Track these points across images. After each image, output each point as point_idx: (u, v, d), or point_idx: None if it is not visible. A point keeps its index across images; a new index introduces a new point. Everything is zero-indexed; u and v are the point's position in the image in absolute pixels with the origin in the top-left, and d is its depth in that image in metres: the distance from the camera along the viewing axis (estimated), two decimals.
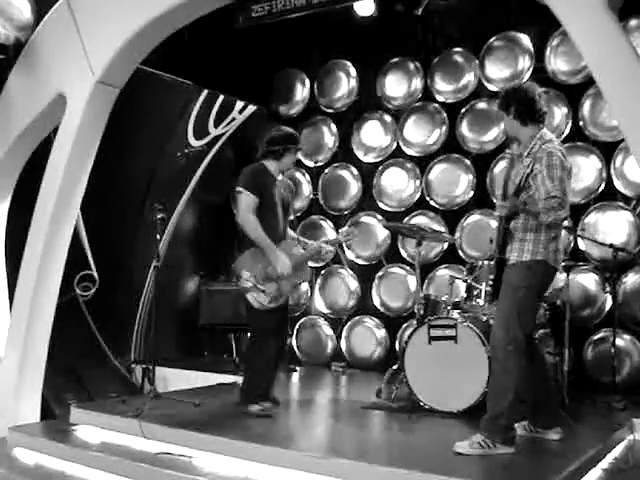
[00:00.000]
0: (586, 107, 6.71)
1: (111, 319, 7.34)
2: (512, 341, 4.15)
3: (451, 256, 7.34)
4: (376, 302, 7.75)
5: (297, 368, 7.45)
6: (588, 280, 6.55)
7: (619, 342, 6.19)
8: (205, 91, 7.93)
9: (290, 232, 5.46)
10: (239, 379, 6.71)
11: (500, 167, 7.02)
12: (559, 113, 6.82)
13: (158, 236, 6.09)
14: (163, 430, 4.72)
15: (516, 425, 4.50)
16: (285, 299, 5.18)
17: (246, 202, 5.07)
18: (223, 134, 8.29)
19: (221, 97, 8.13)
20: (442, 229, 7.22)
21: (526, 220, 4.25)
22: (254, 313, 5.10)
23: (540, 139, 4.30)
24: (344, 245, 5.66)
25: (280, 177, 5.34)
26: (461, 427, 4.74)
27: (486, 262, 5.59)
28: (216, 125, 8.20)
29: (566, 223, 6.37)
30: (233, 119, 8.31)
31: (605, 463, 4.33)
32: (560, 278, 5.78)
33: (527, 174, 4.21)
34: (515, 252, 4.27)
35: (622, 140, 6.31)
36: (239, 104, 8.31)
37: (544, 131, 4.38)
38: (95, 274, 7.07)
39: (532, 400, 4.48)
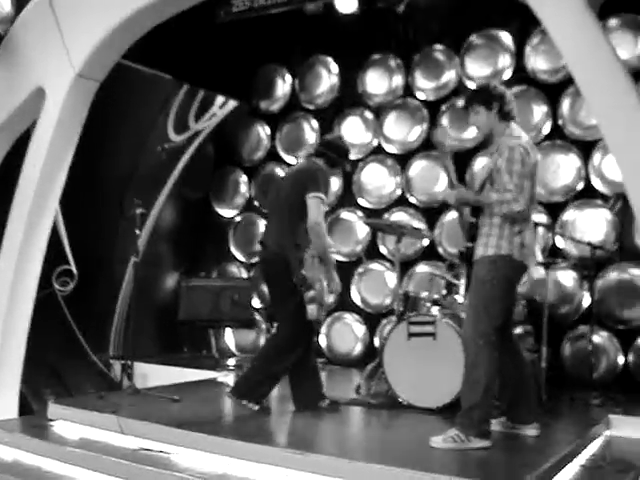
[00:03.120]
0: (565, 106, 6.76)
1: (90, 315, 7.31)
2: (482, 335, 4.20)
3: (431, 253, 7.36)
4: (356, 299, 7.76)
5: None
6: (566, 278, 6.60)
7: (596, 339, 6.24)
8: (186, 86, 7.91)
9: None
10: (219, 375, 6.73)
11: (480, 164, 7.06)
12: (539, 111, 6.86)
13: (137, 231, 6.06)
14: (142, 426, 4.70)
15: (494, 421, 4.55)
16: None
17: (321, 207, 4.91)
18: (203, 129, 8.28)
19: (202, 92, 8.11)
20: (422, 226, 7.25)
21: (491, 215, 4.29)
22: (299, 324, 4.98)
23: (508, 136, 4.35)
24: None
25: None
26: (439, 423, 4.75)
27: None
28: (196, 120, 8.19)
29: (542, 220, 6.45)
30: (214, 114, 8.30)
31: (582, 459, 4.35)
32: (540, 272, 5.84)
33: (491, 169, 4.33)
34: (481, 247, 4.33)
35: (601, 139, 6.35)
36: (220, 99, 8.30)
37: (513, 126, 4.42)
38: (74, 269, 7.04)
39: (510, 396, 4.54)
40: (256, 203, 8.41)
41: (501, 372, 4.57)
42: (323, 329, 7.83)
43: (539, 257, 6.11)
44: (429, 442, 4.19)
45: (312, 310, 4.86)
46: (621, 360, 6.36)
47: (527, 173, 4.22)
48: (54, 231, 6.01)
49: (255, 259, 8.10)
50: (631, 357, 6.31)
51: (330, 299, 5.00)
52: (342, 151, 5.32)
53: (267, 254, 5.19)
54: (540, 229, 6.54)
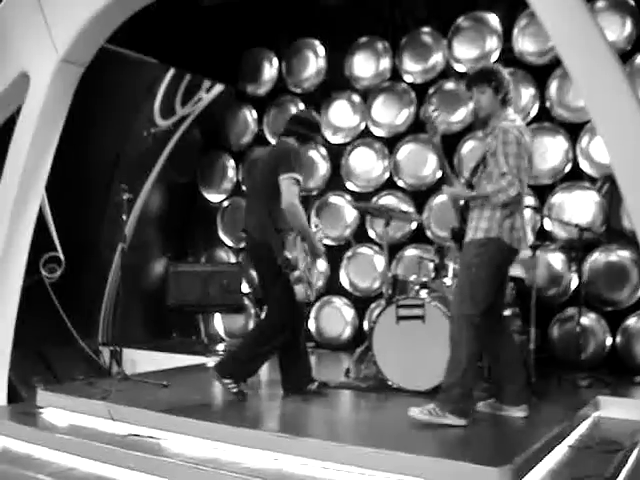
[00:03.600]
0: (553, 88, 6.76)
1: (78, 301, 7.28)
2: (465, 317, 4.25)
3: (419, 236, 7.37)
4: (345, 282, 7.76)
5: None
6: (554, 259, 6.62)
7: (584, 321, 6.27)
8: (172, 70, 7.85)
9: None
10: (208, 360, 6.72)
11: (468, 147, 7.05)
12: (526, 94, 6.85)
13: (124, 217, 6.03)
14: (131, 412, 4.69)
15: (482, 402, 4.57)
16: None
17: (296, 188, 4.82)
18: (190, 113, 8.24)
19: (188, 76, 8.06)
20: (410, 209, 7.25)
21: (483, 198, 4.31)
22: (287, 305, 4.93)
23: (504, 119, 4.36)
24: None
25: None
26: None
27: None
28: (183, 104, 8.14)
29: (531, 202, 6.46)
30: (200, 98, 8.26)
31: (571, 440, 4.39)
32: (525, 253, 5.85)
33: (486, 152, 4.34)
34: (471, 231, 4.35)
35: (588, 121, 6.36)
36: (206, 83, 8.25)
37: (510, 111, 4.44)
38: (61, 256, 7.01)
39: (498, 377, 4.56)
40: (244, 187, 8.39)
41: (490, 354, 4.61)
42: (312, 313, 7.84)
43: (530, 240, 6.12)
44: (408, 411, 4.27)
45: (300, 290, 4.86)
46: (609, 342, 6.39)
47: (522, 154, 4.22)
48: (40, 218, 5.97)
49: (243, 244, 8.09)
50: (619, 338, 6.34)
51: (319, 279, 4.99)
52: (312, 125, 5.24)
53: (250, 240, 5.16)
54: (528, 211, 6.57)
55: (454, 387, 4.22)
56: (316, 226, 5.32)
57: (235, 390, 4.98)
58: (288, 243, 4.84)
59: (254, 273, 6.33)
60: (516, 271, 5.90)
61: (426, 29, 7.44)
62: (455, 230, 4.57)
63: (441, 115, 4.65)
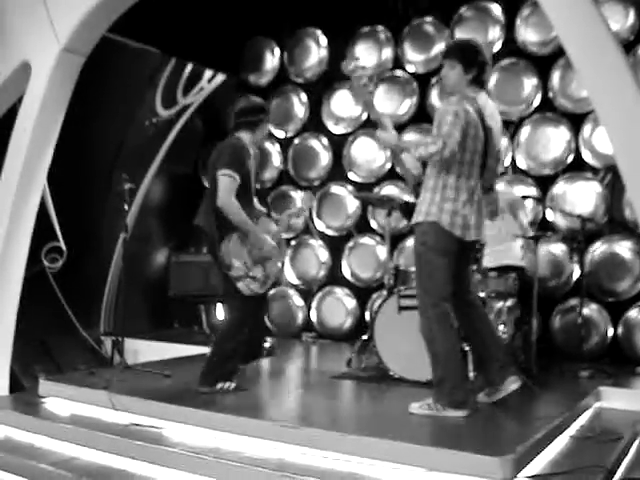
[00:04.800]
0: (556, 78, 6.73)
1: (80, 291, 7.29)
2: (431, 306, 4.19)
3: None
4: (346, 273, 7.76)
5: (268, 339, 7.45)
6: (556, 250, 6.61)
7: (586, 311, 6.26)
8: (173, 60, 7.84)
9: (258, 205, 5.21)
10: (209, 350, 6.73)
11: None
12: (529, 84, 6.83)
13: (126, 207, 6.03)
14: (133, 401, 4.70)
15: (480, 394, 4.55)
16: (272, 282, 5.01)
17: (229, 185, 4.71)
18: (192, 103, 8.22)
19: (190, 66, 8.04)
20: (412, 199, 7.22)
21: (428, 178, 4.24)
22: (241, 300, 4.86)
23: (466, 98, 4.28)
24: (306, 212, 5.52)
25: (252, 150, 5.09)
26: (429, 395, 4.77)
27: None
28: (185, 94, 8.13)
29: (533, 192, 6.45)
30: (202, 88, 8.24)
31: (572, 430, 4.39)
32: (517, 245, 5.86)
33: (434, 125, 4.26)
34: (415, 214, 4.28)
35: (591, 111, 6.35)
36: (208, 73, 8.24)
37: (478, 93, 4.34)
38: (63, 246, 7.01)
39: (480, 359, 4.53)
40: None
41: (468, 339, 4.55)
42: (314, 303, 7.85)
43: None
44: (409, 408, 4.27)
45: (243, 286, 4.77)
46: (611, 332, 6.39)
47: (463, 126, 4.10)
48: (42, 207, 5.97)
49: None
50: (620, 329, 6.34)
51: (279, 271, 4.98)
52: (256, 109, 5.11)
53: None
54: (530, 202, 6.57)
55: (443, 381, 4.21)
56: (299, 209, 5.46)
57: (232, 386, 4.92)
58: (228, 240, 4.77)
59: None
60: (516, 259, 5.91)
61: (429, 18, 7.41)
62: (403, 206, 4.45)
63: (364, 69, 4.51)
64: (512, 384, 4.47)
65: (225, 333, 5.03)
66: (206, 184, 8.53)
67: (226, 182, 4.74)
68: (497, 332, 4.66)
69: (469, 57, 4.34)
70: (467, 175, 4.21)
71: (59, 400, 5.12)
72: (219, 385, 4.91)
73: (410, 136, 7.18)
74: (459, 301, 4.37)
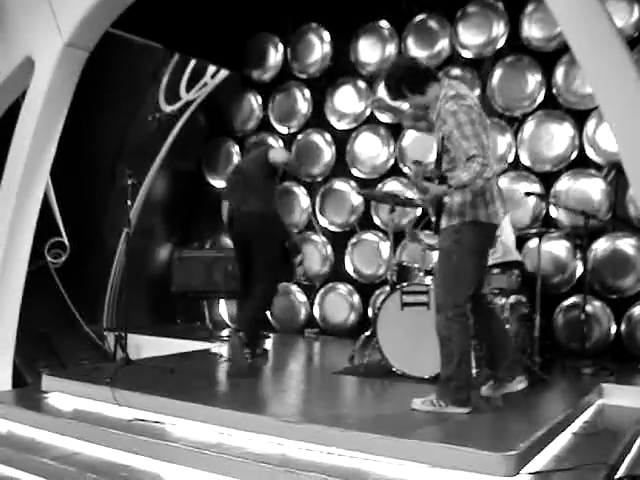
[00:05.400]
0: (560, 74, 6.71)
1: (83, 286, 7.30)
2: (452, 307, 4.18)
3: (424, 223, 7.34)
4: (349, 269, 7.76)
5: (270, 335, 7.46)
6: (559, 247, 6.60)
7: (589, 308, 6.25)
8: (177, 55, 7.83)
9: None
10: (212, 345, 6.74)
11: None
12: (533, 80, 6.82)
13: (129, 202, 6.03)
14: (136, 397, 4.70)
15: (484, 387, 4.55)
16: None
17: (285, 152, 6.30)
18: (195, 99, 8.21)
19: (193, 61, 8.03)
20: (415, 196, 7.23)
21: (451, 179, 4.16)
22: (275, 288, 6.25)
23: (443, 98, 4.17)
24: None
25: None
26: (432, 392, 4.77)
27: None
28: (188, 90, 8.13)
29: (536, 189, 6.43)
30: (205, 84, 8.23)
31: (574, 427, 4.39)
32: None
33: (441, 138, 4.16)
34: (445, 218, 4.24)
35: (595, 108, 6.33)
36: (211, 69, 8.22)
37: (446, 83, 4.24)
38: (66, 241, 7.01)
39: (490, 356, 4.52)
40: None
41: (477, 335, 4.55)
42: (317, 299, 7.85)
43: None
44: (412, 404, 4.28)
45: (300, 271, 5.30)
46: (614, 329, 6.38)
47: (480, 131, 4.06)
48: (45, 203, 5.98)
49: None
50: (623, 326, 6.33)
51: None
52: None
53: (251, 218, 5.99)
54: (533, 198, 6.56)
55: (451, 380, 4.21)
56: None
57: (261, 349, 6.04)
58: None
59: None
60: (518, 255, 5.91)
61: (432, 14, 7.40)
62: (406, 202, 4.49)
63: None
64: (519, 384, 4.46)
65: (261, 305, 6.10)
66: (211, 180, 8.57)
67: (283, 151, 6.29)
68: (507, 330, 4.66)
69: (392, 87, 4.28)
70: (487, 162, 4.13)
71: (62, 395, 5.13)
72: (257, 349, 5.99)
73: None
74: (476, 299, 4.38)
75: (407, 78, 4.25)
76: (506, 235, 5.81)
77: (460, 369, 4.19)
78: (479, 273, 4.32)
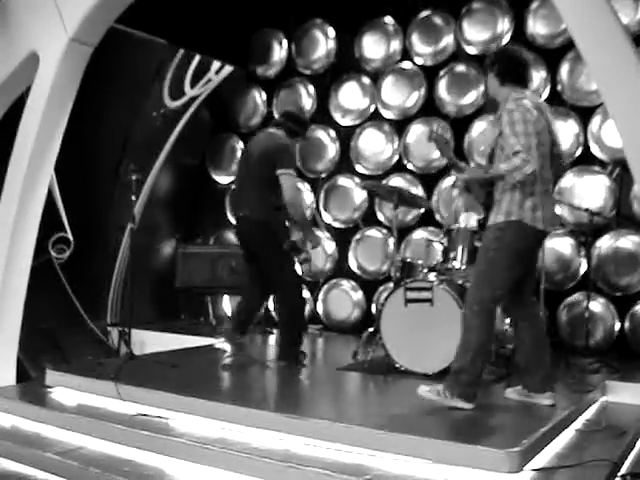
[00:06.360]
0: (564, 71, 6.70)
1: (87, 281, 7.31)
2: (479, 302, 4.21)
3: (428, 219, 7.35)
4: (353, 265, 7.76)
5: (273, 331, 7.46)
6: (563, 244, 6.59)
7: (593, 306, 6.25)
8: (181, 51, 7.82)
9: None
10: (216, 341, 6.74)
11: (478, 130, 7.02)
12: (537, 77, 6.80)
13: (133, 198, 6.04)
14: (140, 392, 4.71)
15: (510, 389, 4.56)
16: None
17: (295, 182, 5.54)
18: (199, 95, 8.21)
19: (197, 57, 8.03)
20: (419, 192, 7.23)
21: (502, 181, 4.24)
22: (299, 281, 5.89)
23: (510, 100, 4.27)
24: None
25: None
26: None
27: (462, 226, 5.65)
28: (192, 86, 8.12)
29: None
30: (209, 80, 8.23)
31: (578, 424, 4.39)
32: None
33: (498, 136, 4.27)
34: (492, 215, 4.29)
35: (600, 105, 6.32)
36: (215, 64, 8.22)
37: (521, 91, 4.34)
38: (70, 236, 7.02)
39: (524, 364, 4.49)
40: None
41: (517, 338, 4.55)
42: (320, 295, 7.85)
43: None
44: (417, 390, 4.32)
45: (306, 269, 5.21)
46: (617, 327, 6.38)
47: (532, 131, 4.12)
48: (49, 198, 5.98)
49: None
50: (627, 324, 6.33)
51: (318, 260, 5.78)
52: (303, 123, 5.84)
53: (247, 222, 5.57)
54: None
55: (462, 372, 4.21)
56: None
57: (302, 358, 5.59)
58: (290, 228, 5.43)
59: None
60: None
61: (437, 11, 7.38)
62: (481, 221, 4.57)
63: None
64: (547, 399, 4.42)
65: (293, 319, 5.66)
66: (215, 176, 8.57)
67: (290, 180, 5.38)
68: (548, 343, 4.66)
69: (495, 62, 4.43)
70: (541, 167, 4.19)
71: (66, 390, 5.14)
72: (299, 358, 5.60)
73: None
74: (519, 302, 4.41)
75: (506, 63, 4.39)
76: None
77: (473, 364, 4.19)
78: (514, 275, 4.28)
